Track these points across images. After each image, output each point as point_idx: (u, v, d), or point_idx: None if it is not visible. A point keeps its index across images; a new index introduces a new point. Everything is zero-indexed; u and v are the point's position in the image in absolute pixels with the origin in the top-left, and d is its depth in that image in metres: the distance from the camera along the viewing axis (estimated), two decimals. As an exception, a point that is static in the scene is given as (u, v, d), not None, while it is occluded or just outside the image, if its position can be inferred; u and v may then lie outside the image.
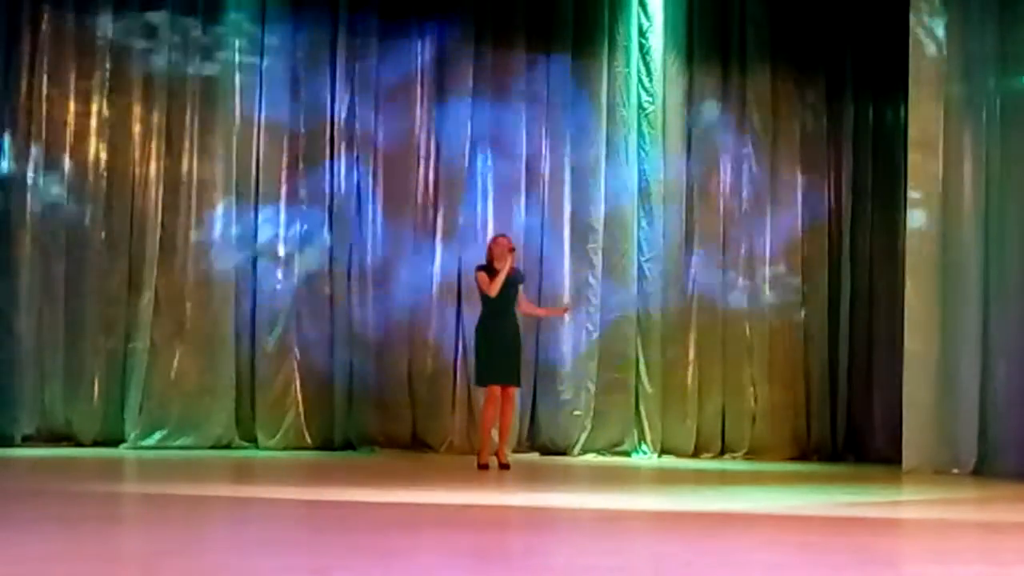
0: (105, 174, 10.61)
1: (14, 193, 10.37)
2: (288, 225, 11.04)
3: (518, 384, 9.76)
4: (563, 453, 11.30)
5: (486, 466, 9.47)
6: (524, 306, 9.82)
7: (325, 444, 10.97)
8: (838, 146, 12.27)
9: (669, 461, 11.29)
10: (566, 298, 11.34)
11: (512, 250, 9.51)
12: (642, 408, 11.52)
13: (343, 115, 11.21)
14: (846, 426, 12.09)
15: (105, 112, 10.62)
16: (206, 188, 10.84)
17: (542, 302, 11.21)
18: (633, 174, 11.64)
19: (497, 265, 9.50)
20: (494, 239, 9.82)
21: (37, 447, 10.17)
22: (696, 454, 11.62)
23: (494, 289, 9.44)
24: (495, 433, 9.73)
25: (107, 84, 10.63)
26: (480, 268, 9.67)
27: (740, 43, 12.05)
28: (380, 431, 11.11)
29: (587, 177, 11.58)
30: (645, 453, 11.45)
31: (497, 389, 9.49)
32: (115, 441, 10.44)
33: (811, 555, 5.34)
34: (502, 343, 9.50)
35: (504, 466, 9.52)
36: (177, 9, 10.80)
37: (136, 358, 10.54)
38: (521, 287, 9.72)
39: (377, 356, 11.15)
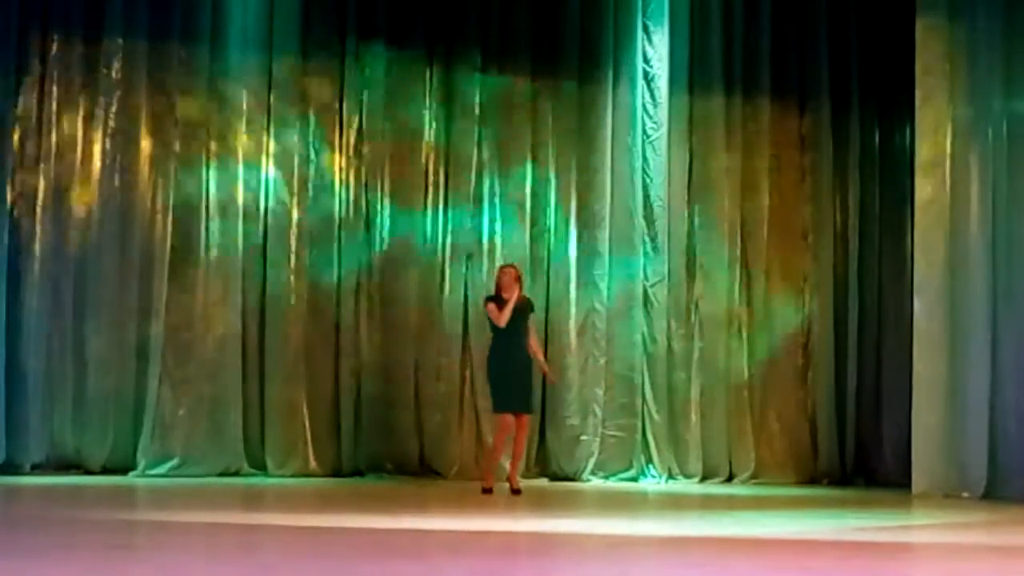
0: (114, 200, 10.65)
1: (23, 220, 10.42)
2: (297, 251, 11.07)
3: (530, 411, 9.90)
4: (571, 479, 11.28)
5: (490, 490, 9.54)
6: (532, 341, 9.90)
7: (334, 471, 10.97)
8: (844, 169, 12.25)
9: (677, 486, 11.26)
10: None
11: (518, 279, 9.68)
12: (649, 433, 11.51)
13: (352, 140, 11.26)
14: (855, 450, 12.05)
15: (114, 138, 10.67)
16: (215, 217, 10.88)
17: (549, 328, 11.32)
18: (638, 200, 11.65)
19: (505, 295, 9.64)
20: (501, 269, 9.98)
21: (46, 475, 10.17)
22: (704, 479, 11.58)
23: (503, 319, 9.57)
24: (504, 459, 9.78)
25: (116, 110, 10.67)
26: (489, 299, 9.81)
27: (744, 69, 12.05)
28: (388, 457, 11.12)
29: (592, 204, 11.60)
30: (653, 478, 11.43)
31: (511, 417, 9.57)
32: (124, 469, 10.44)
33: (820, 580, 5.33)
34: (516, 371, 9.65)
35: (516, 491, 9.58)
36: (185, 36, 10.86)
37: (145, 386, 10.55)
38: (532, 316, 9.81)
39: (385, 382, 11.17)
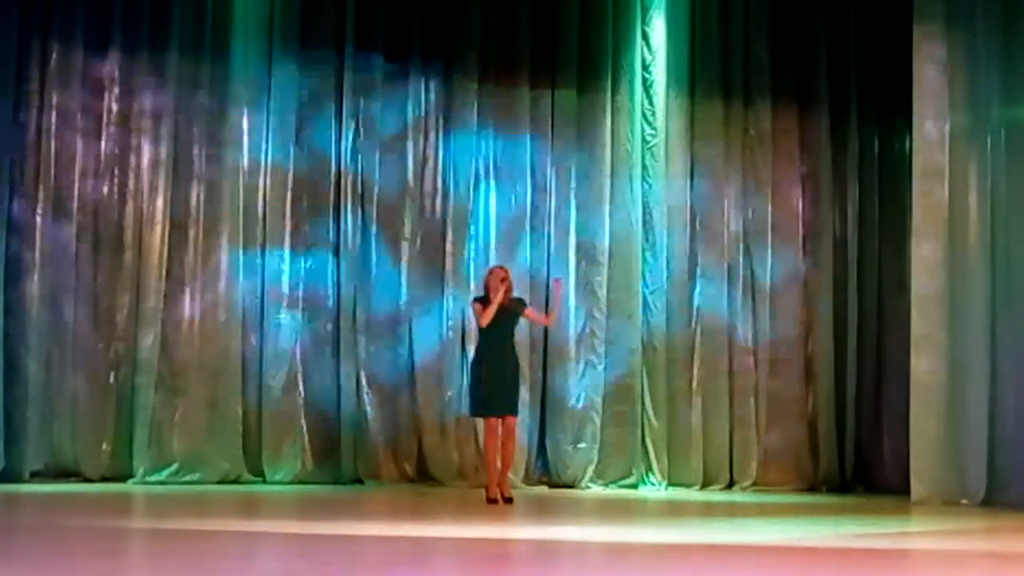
0: (113, 212, 10.68)
1: (23, 230, 10.43)
2: (292, 262, 11.09)
3: (514, 414, 9.55)
4: (570, 486, 11.28)
5: (495, 500, 9.28)
6: (541, 319, 10.31)
7: (333, 478, 10.98)
8: (843, 176, 12.25)
9: (677, 493, 11.26)
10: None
11: (504, 280, 9.44)
12: (648, 440, 11.51)
13: (348, 154, 11.28)
14: (854, 457, 12.04)
15: (112, 150, 10.71)
16: (212, 226, 10.90)
17: (548, 335, 11.35)
18: (637, 207, 11.67)
19: (492, 296, 9.45)
20: (490, 270, 9.76)
21: (45, 483, 10.19)
22: (704, 486, 11.58)
23: (486, 319, 9.38)
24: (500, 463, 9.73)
25: (114, 121, 10.71)
26: (476, 299, 9.64)
27: (743, 75, 12.06)
28: (387, 465, 11.11)
29: (592, 211, 11.62)
30: (652, 485, 11.43)
31: (495, 420, 9.39)
32: (123, 477, 10.46)
33: (820, 587, 5.32)
34: (497, 374, 9.40)
35: (507, 499, 9.39)
36: (184, 48, 10.89)
37: (143, 394, 10.56)
38: (530, 310, 9.80)
39: (383, 390, 11.16)
